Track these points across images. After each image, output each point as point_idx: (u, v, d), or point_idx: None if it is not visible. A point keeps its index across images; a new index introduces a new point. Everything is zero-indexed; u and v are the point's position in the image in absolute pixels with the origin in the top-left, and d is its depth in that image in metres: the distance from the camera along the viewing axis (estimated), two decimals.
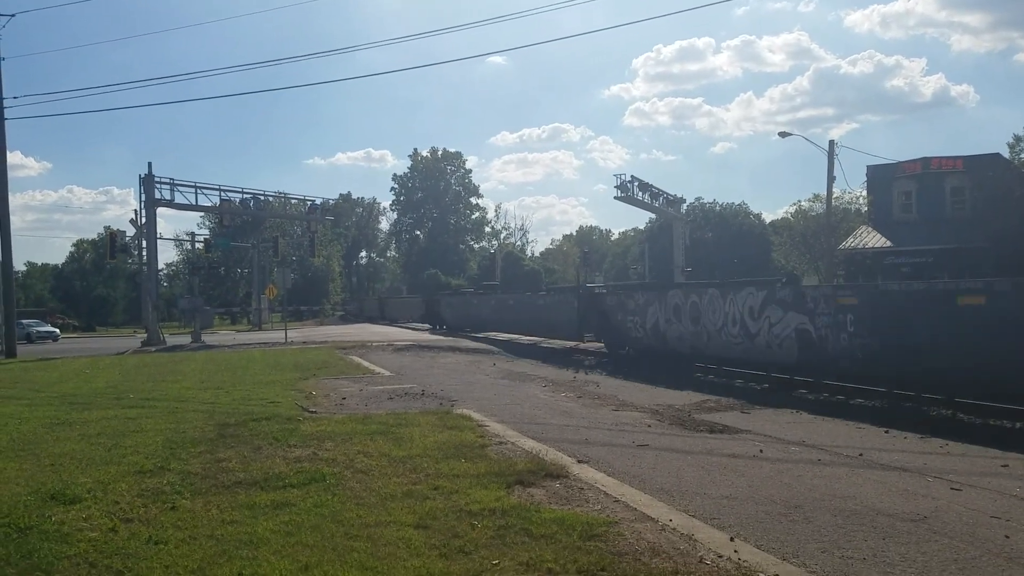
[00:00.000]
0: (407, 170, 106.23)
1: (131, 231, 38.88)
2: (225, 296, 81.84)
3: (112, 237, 38.32)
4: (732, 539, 5.61)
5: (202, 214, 76.05)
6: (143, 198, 36.44)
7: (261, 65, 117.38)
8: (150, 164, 36.47)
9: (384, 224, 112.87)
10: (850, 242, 41.12)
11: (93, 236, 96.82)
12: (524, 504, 6.45)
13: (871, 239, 40.34)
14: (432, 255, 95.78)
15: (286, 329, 38.06)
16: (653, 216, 69.26)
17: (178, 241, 78.86)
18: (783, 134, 42.82)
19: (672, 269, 53.52)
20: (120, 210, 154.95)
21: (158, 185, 36.67)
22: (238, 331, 55.97)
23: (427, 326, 44.60)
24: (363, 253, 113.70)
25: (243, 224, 75.38)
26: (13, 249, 31.64)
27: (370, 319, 65.02)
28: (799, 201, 51.81)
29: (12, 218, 31.79)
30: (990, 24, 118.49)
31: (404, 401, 13.34)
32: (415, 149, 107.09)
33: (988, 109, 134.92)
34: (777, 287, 16.18)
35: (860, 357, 13.14)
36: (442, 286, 72.76)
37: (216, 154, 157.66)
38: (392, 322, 55.13)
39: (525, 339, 29.60)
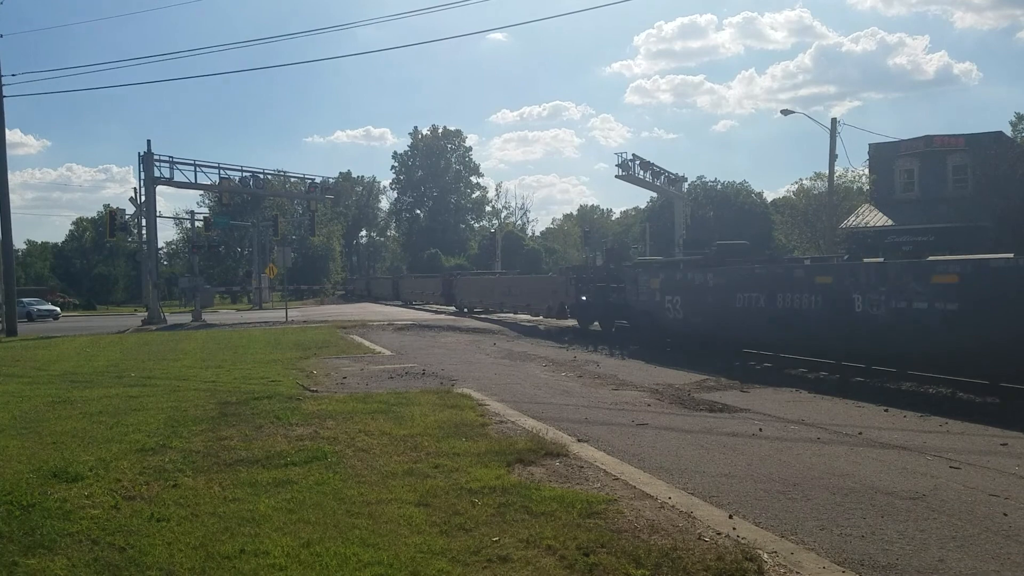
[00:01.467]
0: (407, 148, 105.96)
1: (131, 209, 38.76)
2: (225, 275, 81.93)
3: (112, 215, 38.23)
4: (731, 516, 5.64)
5: (201, 192, 76.18)
6: (142, 176, 36.26)
7: (260, 42, 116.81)
8: (149, 142, 36.33)
9: (384, 203, 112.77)
10: (852, 221, 41.03)
11: (93, 214, 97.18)
12: (524, 482, 6.47)
13: (873, 217, 40.27)
14: (432, 234, 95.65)
15: (286, 308, 38.11)
16: (654, 195, 69.18)
17: (178, 220, 78.97)
18: (785, 112, 42.69)
19: (673, 248, 53.50)
20: (120, 188, 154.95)
21: (157, 163, 36.48)
22: (239, 310, 56.06)
23: (569, 322, 25.30)
24: (363, 232, 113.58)
25: (243, 203, 75.44)
26: (13, 227, 31.57)
27: (408, 302, 50.47)
28: (801, 179, 51.70)
29: (11, 196, 31.70)
30: (993, 1, 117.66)
31: (405, 380, 13.37)
32: (415, 127, 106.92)
33: (991, 87, 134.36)
34: None
35: None
36: (442, 266, 72.59)
37: (215, 132, 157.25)
38: (466, 311, 36.52)
39: None
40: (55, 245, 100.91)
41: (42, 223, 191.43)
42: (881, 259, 13.57)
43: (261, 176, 43.49)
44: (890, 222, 39.11)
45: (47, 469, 7.13)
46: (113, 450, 7.90)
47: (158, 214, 38.11)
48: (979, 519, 5.59)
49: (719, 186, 79.57)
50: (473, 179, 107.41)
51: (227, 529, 5.44)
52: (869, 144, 44.48)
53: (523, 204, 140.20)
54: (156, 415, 9.84)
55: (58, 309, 54.29)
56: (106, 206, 70.14)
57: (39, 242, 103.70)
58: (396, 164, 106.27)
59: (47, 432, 8.99)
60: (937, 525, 5.46)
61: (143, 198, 36.75)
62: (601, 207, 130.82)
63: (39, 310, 50.16)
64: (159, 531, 5.45)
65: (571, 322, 25.08)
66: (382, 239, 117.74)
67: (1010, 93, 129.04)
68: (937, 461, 7.31)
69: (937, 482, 6.56)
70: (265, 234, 62.05)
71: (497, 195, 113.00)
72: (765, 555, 4.86)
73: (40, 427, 9.32)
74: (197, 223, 55.63)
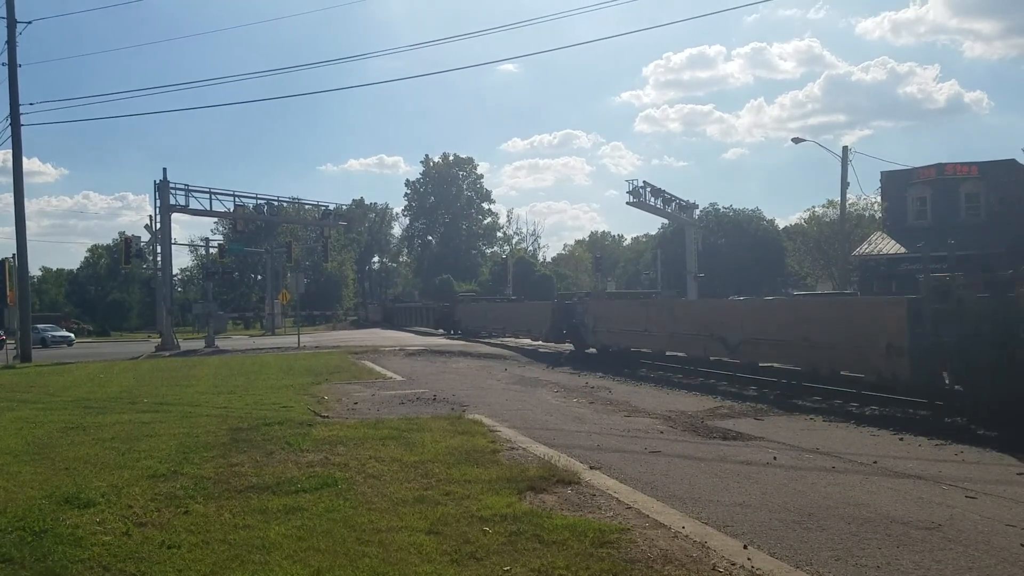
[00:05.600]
0: (419, 176, 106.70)
1: (146, 237, 39.23)
2: (239, 301, 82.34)
3: (127, 243, 38.56)
4: (745, 547, 5.58)
5: (216, 220, 76.83)
6: (158, 204, 36.64)
7: (275, 72, 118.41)
8: (165, 170, 36.59)
9: (396, 230, 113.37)
10: (864, 248, 40.93)
11: (108, 242, 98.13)
12: (536, 510, 6.43)
13: (885, 245, 40.16)
14: (444, 260, 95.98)
15: (299, 334, 38.19)
16: (666, 222, 69.24)
17: (192, 246, 79.57)
18: (796, 140, 42.59)
19: (684, 275, 53.44)
20: (135, 216, 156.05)
21: (173, 191, 36.86)
22: (251, 336, 56.21)
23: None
24: (376, 258, 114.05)
25: (257, 230, 75.96)
26: (29, 254, 31.87)
27: (472, 335, 36.25)
28: (813, 207, 51.68)
29: (28, 223, 32.05)
30: (1002, 31, 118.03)
31: (416, 406, 13.35)
32: (427, 155, 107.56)
33: (1002, 116, 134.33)
34: None
35: None
36: (454, 291, 72.44)
37: (230, 160, 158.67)
38: (593, 350, 23.52)
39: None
40: (70, 272, 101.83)
41: (58, 250, 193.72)
42: None
43: (275, 203, 43.87)
44: (903, 250, 38.98)
45: (59, 495, 7.14)
46: (125, 476, 7.91)
47: (173, 241, 38.48)
48: (996, 550, 5.51)
49: (731, 213, 79.56)
50: (484, 205, 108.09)
51: (237, 556, 5.43)
52: (881, 172, 44.50)
53: (534, 230, 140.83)
54: (168, 441, 9.85)
55: (72, 335, 54.62)
56: (121, 233, 70.91)
57: (54, 269, 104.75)
58: (408, 191, 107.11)
59: (60, 458, 9.02)
60: (953, 556, 5.39)
61: (158, 225, 37.11)
62: (612, 233, 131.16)
63: (53, 336, 50.47)
64: (170, 558, 5.44)
65: None
66: (394, 265, 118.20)
67: (1021, 121, 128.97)
68: (953, 491, 7.22)
69: (953, 512, 6.48)
70: (279, 260, 62.42)
71: (508, 221, 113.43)
72: None
73: (53, 453, 9.35)
74: (211, 250, 56.07)
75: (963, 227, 38.60)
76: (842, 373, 13.79)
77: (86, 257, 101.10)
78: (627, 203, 46.32)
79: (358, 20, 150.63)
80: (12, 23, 31.23)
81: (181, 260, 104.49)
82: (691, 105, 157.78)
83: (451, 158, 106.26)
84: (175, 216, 38.36)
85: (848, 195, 40.84)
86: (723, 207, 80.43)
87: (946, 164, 40.69)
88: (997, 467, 8.35)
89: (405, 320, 56.68)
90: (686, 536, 5.82)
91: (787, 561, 5.30)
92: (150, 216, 38.38)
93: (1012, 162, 41.62)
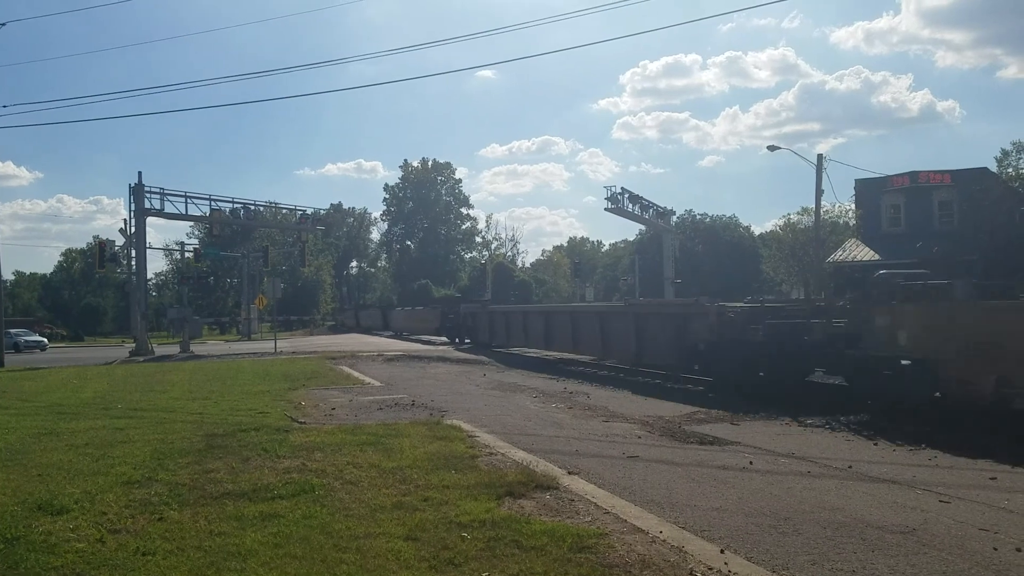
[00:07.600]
0: (398, 180, 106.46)
1: (120, 240, 38.75)
2: (214, 306, 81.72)
3: (101, 247, 38.14)
4: (722, 551, 5.61)
5: (192, 224, 76.18)
6: (133, 207, 36.29)
7: (252, 76, 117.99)
8: (140, 173, 36.11)
9: (375, 234, 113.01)
10: (838, 255, 41.33)
11: (82, 245, 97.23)
12: (514, 516, 6.43)
13: (859, 252, 40.58)
14: (423, 265, 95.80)
15: (275, 339, 37.90)
16: (644, 228, 69.55)
17: (167, 251, 78.68)
18: (772, 148, 42.88)
19: (662, 281, 53.71)
20: (110, 220, 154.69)
21: (148, 194, 36.52)
22: (228, 341, 55.75)
23: None
24: (354, 263, 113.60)
25: (233, 234, 75.32)
26: (2, 258, 31.43)
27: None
28: (788, 214, 51.99)
29: (1, 227, 31.65)
30: (973, 41, 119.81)
31: (394, 412, 13.30)
32: (405, 160, 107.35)
33: (974, 124, 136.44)
34: None
35: None
36: (433, 297, 72.21)
37: (206, 164, 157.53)
38: None
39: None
40: (44, 276, 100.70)
41: (32, 254, 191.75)
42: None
43: (252, 207, 43.60)
44: (877, 256, 39.41)
45: (32, 501, 7.04)
46: (99, 483, 7.81)
47: (148, 245, 38.08)
48: (969, 554, 5.58)
49: (707, 220, 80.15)
50: (463, 211, 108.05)
51: (213, 564, 5.37)
52: (855, 180, 45.02)
53: (513, 236, 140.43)
54: (142, 447, 9.74)
55: (46, 340, 53.95)
56: (96, 237, 70.08)
57: (28, 273, 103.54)
58: (387, 196, 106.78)
59: (32, 464, 8.89)
60: (927, 560, 5.45)
61: (133, 229, 36.73)
62: (591, 239, 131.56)
63: (26, 341, 49.83)
64: (144, 565, 5.38)
65: None
66: (372, 270, 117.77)
67: (992, 130, 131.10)
68: (927, 495, 7.31)
69: (927, 516, 6.55)
70: (255, 265, 61.98)
71: (487, 227, 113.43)
72: None
73: (25, 459, 9.22)
74: (187, 254, 55.55)
75: (936, 234, 39.09)
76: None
77: (60, 261, 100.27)
78: (605, 209, 46.60)
79: (336, 25, 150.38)
80: None
81: (156, 264, 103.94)
82: (667, 113, 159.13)
83: (430, 163, 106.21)
84: (150, 220, 38.03)
85: (823, 202, 41.17)
86: (699, 214, 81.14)
87: (919, 172, 41.27)
88: (970, 472, 8.45)
89: (517, 333, 28.85)
90: (664, 541, 5.84)
91: (764, 565, 5.34)
92: (125, 220, 38.03)
93: (984, 170, 42.28)
